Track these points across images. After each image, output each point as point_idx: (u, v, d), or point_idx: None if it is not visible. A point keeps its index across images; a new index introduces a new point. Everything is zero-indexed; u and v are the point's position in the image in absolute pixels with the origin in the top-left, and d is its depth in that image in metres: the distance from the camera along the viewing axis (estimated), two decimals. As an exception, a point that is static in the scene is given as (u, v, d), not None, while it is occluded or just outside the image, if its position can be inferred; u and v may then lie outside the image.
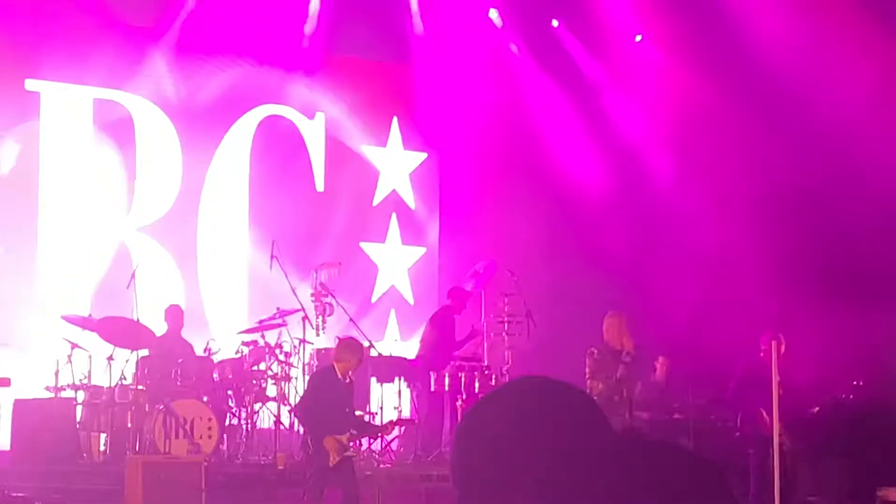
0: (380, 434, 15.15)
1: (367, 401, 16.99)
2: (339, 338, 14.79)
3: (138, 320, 15.39)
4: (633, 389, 14.46)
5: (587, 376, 14.09)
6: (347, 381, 13.07)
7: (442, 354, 17.43)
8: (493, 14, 21.04)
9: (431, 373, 17.26)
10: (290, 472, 14.72)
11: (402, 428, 16.32)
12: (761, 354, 14.25)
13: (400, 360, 17.93)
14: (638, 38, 20.71)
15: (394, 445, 16.94)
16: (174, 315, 16.39)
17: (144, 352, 15.46)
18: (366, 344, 16.87)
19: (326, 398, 12.91)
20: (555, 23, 21.08)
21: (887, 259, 17.53)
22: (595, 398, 13.42)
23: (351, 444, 12.93)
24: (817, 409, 14.72)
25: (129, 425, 14.91)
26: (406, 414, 17.85)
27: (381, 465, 15.85)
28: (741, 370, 14.67)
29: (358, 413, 16.56)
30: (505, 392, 3.59)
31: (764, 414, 14.05)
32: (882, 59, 17.40)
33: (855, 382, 14.83)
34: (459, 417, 16.68)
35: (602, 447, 3.48)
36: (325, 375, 13.56)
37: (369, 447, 16.51)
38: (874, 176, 17.55)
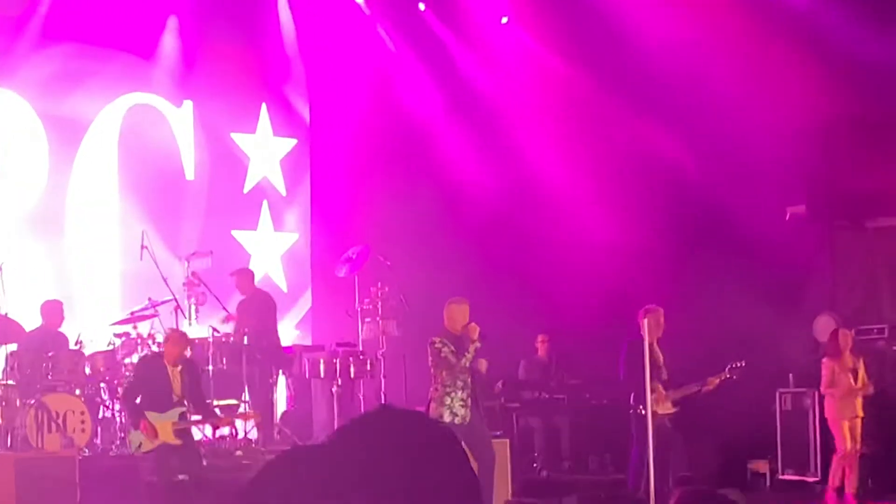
0: (216, 424, 15.06)
1: (242, 388, 16.90)
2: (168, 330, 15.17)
3: (6, 315, 15.14)
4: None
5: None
6: (178, 367, 13.61)
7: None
8: (360, -2, 21.00)
9: (305, 359, 17.25)
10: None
11: (250, 421, 16.09)
12: (642, 333, 14.23)
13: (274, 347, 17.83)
14: (504, 19, 20.78)
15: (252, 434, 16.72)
16: (49, 310, 16.07)
17: (13, 346, 15.22)
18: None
19: (149, 383, 13.56)
20: (421, 6, 21.09)
21: (766, 237, 17.75)
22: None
23: (184, 427, 13.48)
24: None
25: (0, 421, 14.67)
26: (282, 401, 17.85)
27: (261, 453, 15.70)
28: (625, 349, 14.74)
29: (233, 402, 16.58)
30: (368, 422, 3.51)
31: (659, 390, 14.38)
32: (750, 42, 17.68)
33: (738, 364, 14.97)
34: (335, 403, 16.68)
35: (460, 482, 3.44)
36: (148, 361, 14.26)
37: (245, 436, 16.40)
38: (746, 156, 17.84)
